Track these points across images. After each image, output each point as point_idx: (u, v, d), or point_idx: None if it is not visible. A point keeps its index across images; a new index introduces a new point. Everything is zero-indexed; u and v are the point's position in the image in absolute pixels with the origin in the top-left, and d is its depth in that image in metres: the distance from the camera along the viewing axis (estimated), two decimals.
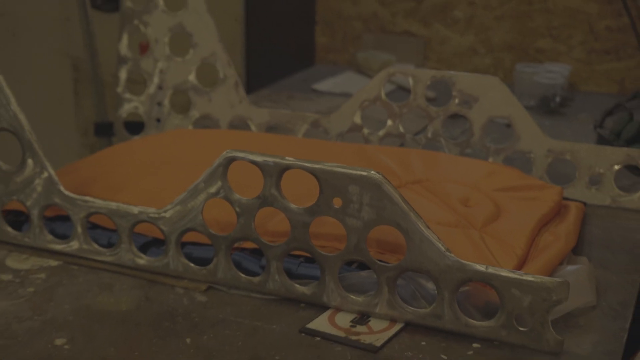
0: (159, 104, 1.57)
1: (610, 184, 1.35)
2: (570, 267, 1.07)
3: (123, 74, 1.58)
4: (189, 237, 1.07)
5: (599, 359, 0.91)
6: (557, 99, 1.93)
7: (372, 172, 0.91)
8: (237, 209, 0.99)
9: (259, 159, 0.96)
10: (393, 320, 0.97)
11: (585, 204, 1.32)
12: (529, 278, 0.89)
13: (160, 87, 1.56)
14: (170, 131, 1.51)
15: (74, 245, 1.11)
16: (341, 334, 0.95)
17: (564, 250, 1.11)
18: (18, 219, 1.19)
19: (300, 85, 2.13)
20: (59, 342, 0.92)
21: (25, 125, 1.08)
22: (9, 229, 1.15)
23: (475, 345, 0.93)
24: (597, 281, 1.07)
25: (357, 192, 0.92)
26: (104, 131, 1.98)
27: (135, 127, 1.59)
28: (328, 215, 0.95)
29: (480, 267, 0.91)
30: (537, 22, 2.26)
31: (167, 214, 1.04)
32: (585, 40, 2.22)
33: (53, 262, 1.12)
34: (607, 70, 2.22)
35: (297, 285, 1.01)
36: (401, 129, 1.48)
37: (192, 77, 1.56)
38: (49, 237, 1.13)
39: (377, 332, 0.95)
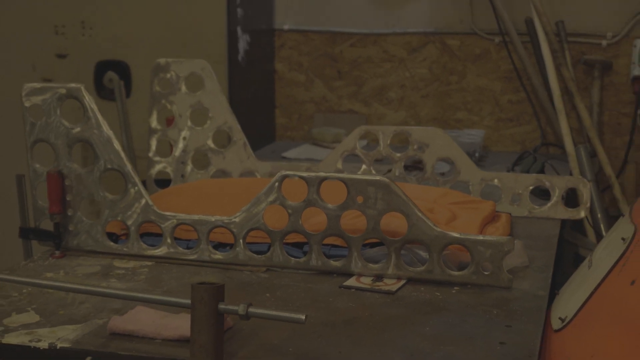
0: (183, 163, 2.04)
1: (526, 201, 1.88)
2: None
3: (153, 142, 2.04)
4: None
5: (535, 291, 1.41)
6: (477, 155, 2.48)
7: (383, 177, 1.42)
8: (289, 211, 1.47)
9: (304, 174, 1.45)
10: (399, 278, 1.45)
11: (510, 214, 1.84)
12: (489, 238, 1.40)
13: (183, 151, 2.03)
14: (203, 180, 1.98)
15: (163, 250, 1.56)
16: (367, 286, 1.43)
17: (504, 235, 1.63)
18: (111, 239, 1.63)
19: (271, 155, 2.63)
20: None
21: (129, 165, 1.54)
22: (111, 243, 1.60)
23: (455, 288, 1.42)
24: (526, 254, 1.59)
25: (374, 191, 1.42)
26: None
27: (163, 183, 2.04)
28: (353, 209, 1.44)
29: (456, 234, 1.41)
30: (454, 99, 2.84)
31: (237, 219, 1.51)
32: (493, 112, 2.80)
33: (148, 263, 1.56)
34: (511, 134, 2.80)
35: (332, 261, 1.48)
36: (373, 171, 1.98)
37: (209, 142, 2.03)
38: (144, 245, 1.58)
39: (391, 285, 1.43)
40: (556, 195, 1.87)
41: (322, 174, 1.44)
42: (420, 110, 2.86)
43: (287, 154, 2.64)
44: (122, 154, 1.55)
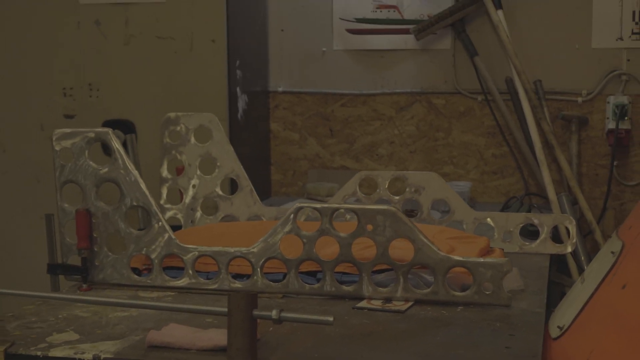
0: (193, 209, 2.16)
1: (517, 238, 2.02)
2: None
3: (164, 190, 2.17)
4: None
5: (533, 309, 1.54)
6: None
7: (390, 207, 1.55)
8: (304, 240, 1.59)
9: (318, 205, 1.58)
10: (407, 300, 1.58)
11: (502, 249, 1.97)
12: (489, 260, 1.53)
13: (193, 198, 2.16)
14: (213, 224, 2.10)
15: (185, 281, 1.68)
16: (379, 307, 1.55)
17: None
18: (134, 272, 1.74)
19: None
20: (208, 320, 1.48)
21: (153, 202, 1.67)
22: (135, 275, 1.71)
23: (460, 307, 1.54)
24: (522, 279, 1.72)
25: (382, 219, 1.55)
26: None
27: (174, 229, 2.15)
28: (363, 236, 1.57)
29: (459, 258, 1.54)
30: (441, 154, 3.00)
31: (255, 249, 1.63)
32: (478, 165, 2.96)
33: (171, 293, 1.67)
34: (495, 186, 2.96)
35: (344, 286, 1.61)
36: None
37: (217, 189, 2.16)
38: (166, 277, 1.69)
39: (400, 305, 1.55)
40: (545, 232, 2.01)
41: (334, 205, 1.58)
42: (409, 165, 3.01)
43: (285, 207, 2.77)
44: (147, 192, 1.67)
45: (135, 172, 1.68)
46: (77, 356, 1.29)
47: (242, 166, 2.16)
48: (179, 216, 2.16)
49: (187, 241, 1.86)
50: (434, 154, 3.00)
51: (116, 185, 1.69)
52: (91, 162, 1.69)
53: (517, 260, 1.95)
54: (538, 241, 2.01)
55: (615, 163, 2.78)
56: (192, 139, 2.16)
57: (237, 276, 1.69)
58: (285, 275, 1.63)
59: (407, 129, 3.02)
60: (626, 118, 2.74)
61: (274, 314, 1.21)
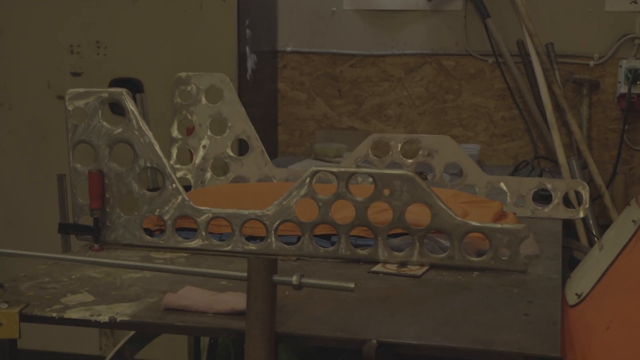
0: (203, 170, 2.14)
1: (530, 202, 2.01)
2: None
3: (174, 150, 2.15)
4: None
5: (549, 274, 1.53)
6: None
7: (408, 171, 1.53)
8: (320, 204, 1.58)
9: (335, 169, 1.57)
10: (422, 265, 1.57)
11: (515, 214, 1.96)
12: (506, 226, 1.52)
13: (203, 158, 2.14)
14: (224, 184, 2.09)
15: (198, 242, 1.67)
16: (394, 271, 1.54)
17: None
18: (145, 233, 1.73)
19: None
20: (223, 283, 1.47)
21: (166, 163, 1.65)
22: (148, 236, 1.70)
23: (475, 272, 1.54)
24: (537, 244, 1.71)
25: (399, 184, 1.53)
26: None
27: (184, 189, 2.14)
28: (381, 201, 1.55)
29: (476, 223, 1.53)
30: (450, 116, 2.98)
31: (270, 212, 1.61)
32: (487, 128, 2.94)
33: (184, 254, 1.66)
34: (504, 149, 2.94)
35: (359, 250, 1.60)
36: None
37: (228, 150, 2.14)
38: (179, 238, 1.68)
39: (415, 270, 1.55)
40: (557, 197, 1.99)
41: (351, 169, 1.56)
42: (417, 127, 2.99)
43: (292, 167, 2.76)
44: (161, 154, 1.66)
45: (150, 134, 1.66)
46: (93, 318, 1.29)
47: (253, 127, 2.14)
48: (189, 177, 2.15)
49: (197, 202, 1.84)
50: (443, 116, 2.98)
51: (129, 146, 1.67)
52: (104, 123, 1.67)
53: (530, 225, 1.94)
54: (551, 206, 2.00)
55: (625, 127, 2.77)
56: (203, 99, 2.14)
57: (250, 238, 1.68)
58: (299, 238, 1.62)
59: (416, 91, 3.00)
60: (638, 82, 2.71)
61: (294, 279, 1.20)
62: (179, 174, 2.15)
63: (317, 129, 3.09)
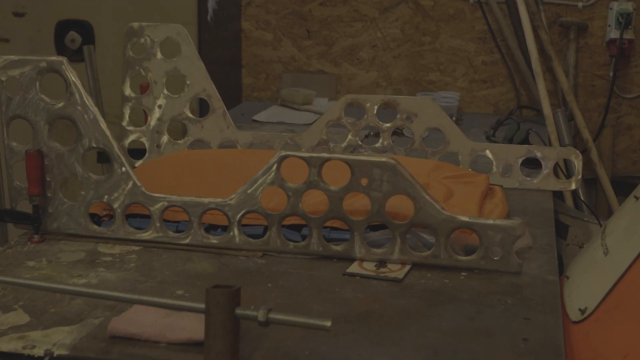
0: (159, 132, 1.94)
1: (517, 172, 1.84)
2: None
3: (127, 110, 1.94)
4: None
5: (544, 275, 1.37)
6: (454, 118, 2.42)
7: (389, 158, 1.35)
8: (289, 193, 1.40)
9: (306, 155, 1.37)
10: (403, 263, 1.40)
11: (502, 187, 1.79)
12: (499, 222, 1.34)
13: (159, 119, 1.93)
14: (183, 151, 1.89)
15: (151, 234, 1.48)
16: (372, 273, 1.37)
17: (504, 213, 1.58)
18: (93, 220, 1.53)
19: (240, 118, 2.53)
20: (179, 292, 1.29)
21: (115, 144, 1.45)
22: (95, 226, 1.51)
23: (463, 273, 1.37)
24: (529, 235, 1.54)
25: (379, 173, 1.35)
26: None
27: (138, 153, 1.94)
28: (358, 191, 1.37)
29: (465, 218, 1.36)
30: (427, 60, 2.77)
31: (233, 202, 1.43)
32: (466, 73, 2.74)
33: (136, 247, 1.48)
34: (484, 96, 2.76)
35: (333, 245, 1.42)
36: (359, 141, 1.91)
37: (186, 110, 1.94)
38: (130, 229, 1.49)
39: (396, 271, 1.37)
40: (548, 167, 1.83)
41: (324, 154, 1.37)
42: (392, 71, 2.79)
43: (257, 117, 2.55)
44: (108, 133, 1.45)
45: (95, 109, 1.45)
46: (26, 351, 1.10)
47: (214, 85, 1.94)
48: (143, 139, 1.95)
49: (151, 178, 1.65)
50: (419, 59, 2.78)
51: (72, 123, 1.47)
52: (43, 96, 1.46)
53: (517, 198, 1.78)
54: (540, 177, 1.84)
55: (612, 74, 2.59)
56: (158, 54, 1.93)
57: (211, 227, 1.50)
58: (265, 229, 1.45)
59: (391, 32, 2.78)
60: (630, 27, 2.52)
61: (260, 315, 1.03)
62: (133, 137, 1.95)
63: (283, 72, 2.87)
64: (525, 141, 2.09)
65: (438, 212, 1.36)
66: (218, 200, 1.44)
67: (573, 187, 1.83)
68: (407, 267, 1.39)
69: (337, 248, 1.42)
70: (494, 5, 2.66)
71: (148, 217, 1.50)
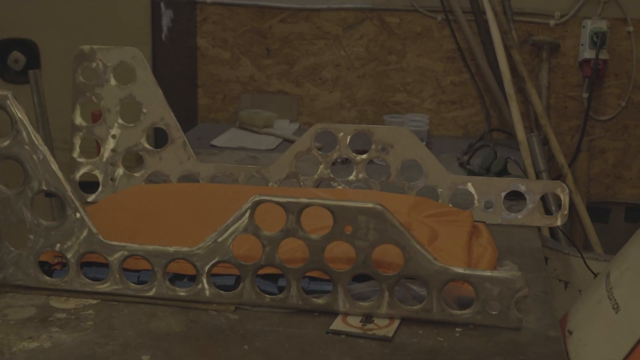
0: (113, 165, 1.79)
1: (500, 207, 1.73)
2: (505, 268, 1.42)
3: (77, 140, 1.78)
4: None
5: (545, 331, 1.25)
6: (424, 143, 2.31)
7: (376, 204, 1.22)
8: (264, 242, 1.26)
9: (283, 200, 1.24)
10: (391, 318, 1.27)
11: (485, 223, 1.68)
12: (497, 274, 1.22)
13: (113, 151, 1.78)
14: (140, 186, 1.74)
15: (110, 286, 1.33)
16: (359, 331, 1.23)
17: (494, 258, 1.47)
18: (43, 269, 1.38)
19: (197, 143, 2.39)
20: (145, 358, 1.14)
21: (67, 187, 1.30)
22: (46, 277, 1.35)
23: (457, 329, 1.25)
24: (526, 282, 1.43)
25: (365, 220, 1.22)
26: None
27: (90, 187, 1.79)
28: (341, 240, 1.24)
29: (460, 269, 1.23)
30: (393, 80, 2.65)
31: (201, 251, 1.28)
32: (434, 94, 2.63)
33: (92, 301, 1.32)
34: (453, 117, 2.65)
35: (313, 299, 1.28)
36: (331, 174, 1.78)
37: (143, 140, 1.79)
38: (86, 280, 1.34)
39: (384, 327, 1.24)
40: (533, 201, 1.72)
41: (303, 199, 1.23)
42: (356, 92, 2.66)
43: (216, 142, 2.41)
44: (60, 174, 1.30)
45: (45, 149, 1.30)
46: None
47: (172, 113, 1.79)
48: (96, 172, 1.80)
49: (108, 218, 1.51)
50: (385, 79, 2.66)
51: (19, 164, 1.31)
52: None
53: (503, 237, 1.66)
54: (525, 212, 1.72)
55: (586, 95, 2.50)
56: (112, 79, 1.78)
57: (176, 277, 1.35)
58: (238, 279, 1.31)
59: (355, 50, 2.66)
60: (604, 47, 2.43)
61: None
62: (85, 169, 1.80)
63: (242, 93, 2.73)
64: (503, 170, 1.98)
65: (430, 262, 1.24)
66: (184, 249, 1.29)
67: (559, 223, 1.73)
68: (396, 323, 1.26)
69: (319, 301, 1.28)
70: (463, 23, 2.55)
71: (106, 265, 1.35)
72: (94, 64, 1.77)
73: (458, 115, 2.64)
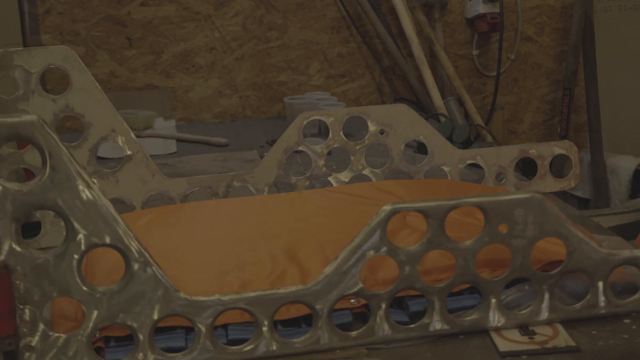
0: None
1: (511, 176, 1.57)
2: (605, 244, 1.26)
3: (4, 172, 1.38)
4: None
5: None
6: None
7: (535, 193, 1.01)
8: (403, 259, 1.00)
9: (423, 205, 0.99)
10: (551, 323, 1.07)
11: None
12: None
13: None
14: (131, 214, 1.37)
15: (198, 354, 1.00)
16: (536, 346, 1.02)
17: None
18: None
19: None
20: None
21: (132, 235, 0.96)
22: None
23: (625, 320, 1.07)
24: None
25: (522, 214, 1.01)
26: None
27: (31, 227, 1.40)
28: (495, 243, 1.02)
29: (628, 253, 1.06)
30: (276, 58, 2.39)
31: (318, 287, 1.00)
32: (321, 68, 2.41)
33: None
34: (344, 91, 2.44)
35: (458, 319, 1.05)
36: (325, 169, 1.53)
37: (91, 162, 1.43)
38: (161, 354, 1.00)
39: (554, 336, 1.04)
40: (544, 166, 1.58)
41: (447, 201, 0.99)
42: (236, 76, 2.37)
43: (101, 153, 2.02)
44: (120, 219, 0.95)
45: (95, 188, 0.95)
46: None
47: (125, 123, 1.45)
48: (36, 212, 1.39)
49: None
50: (267, 59, 2.39)
51: (58, 215, 0.95)
52: (8, 183, 0.93)
53: None
54: (537, 177, 1.59)
55: (476, 52, 2.40)
56: (39, 88, 1.39)
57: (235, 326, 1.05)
58: (359, 315, 1.04)
59: (231, 30, 2.36)
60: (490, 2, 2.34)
61: None
62: None
63: (104, 92, 2.33)
64: (468, 140, 1.82)
65: (595, 251, 1.05)
66: (294, 289, 1.00)
67: (572, 184, 1.61)
68: (560, 328, 1.06)
69: (467, 319, 1.05)
70: None
71: (174, 329, 1.03)
72: (14, 72, 1.38)
73: (348, 89, 2.44)
